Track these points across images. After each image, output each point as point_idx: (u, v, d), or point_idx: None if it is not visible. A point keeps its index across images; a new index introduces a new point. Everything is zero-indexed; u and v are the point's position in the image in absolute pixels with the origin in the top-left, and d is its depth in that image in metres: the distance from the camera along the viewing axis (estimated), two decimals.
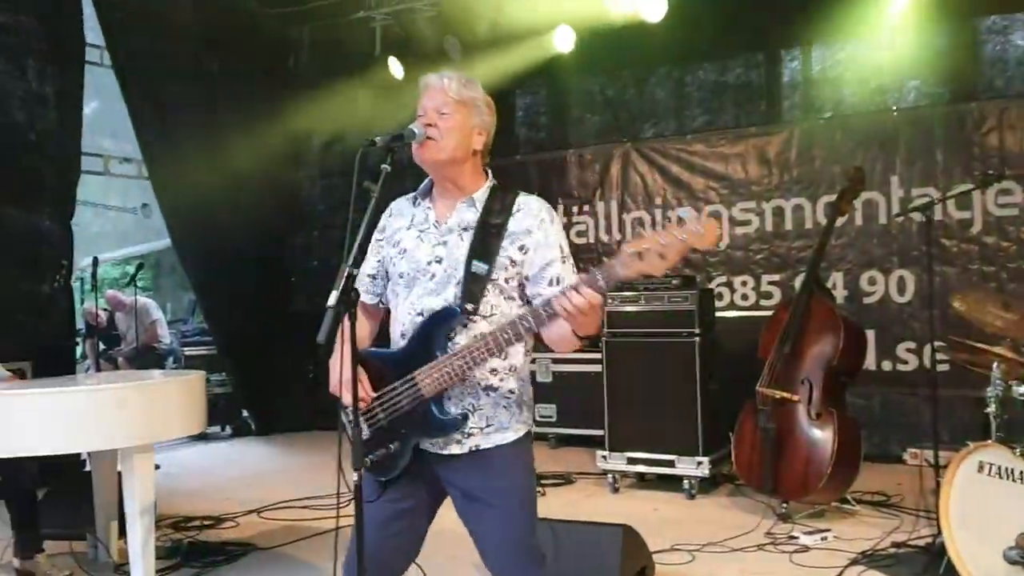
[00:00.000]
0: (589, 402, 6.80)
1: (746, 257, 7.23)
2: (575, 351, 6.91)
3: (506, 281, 2.49)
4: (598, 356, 6.60)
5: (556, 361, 7.19)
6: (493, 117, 2.61)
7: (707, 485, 5.82)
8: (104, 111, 9.01)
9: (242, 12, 8.87)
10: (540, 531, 2.65)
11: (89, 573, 4.57)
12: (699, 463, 5.63)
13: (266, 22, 9.16)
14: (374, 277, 2.69)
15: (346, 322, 2.30)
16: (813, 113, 7.42)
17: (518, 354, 2.54)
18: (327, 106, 9.00)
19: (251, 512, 5.77)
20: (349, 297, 2.32)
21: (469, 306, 2.45)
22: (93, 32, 7.85)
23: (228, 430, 9.13)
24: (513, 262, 2.49)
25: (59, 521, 4.84)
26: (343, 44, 9.05)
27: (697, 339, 5.71)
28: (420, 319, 2.50)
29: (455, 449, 2.50)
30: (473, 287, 2.45)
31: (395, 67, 8.30)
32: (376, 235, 2.69)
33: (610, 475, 5.95)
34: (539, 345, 2.61)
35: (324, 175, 9.49)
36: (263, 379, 9.07)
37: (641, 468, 5.91)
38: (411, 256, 2.57)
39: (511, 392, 2.54)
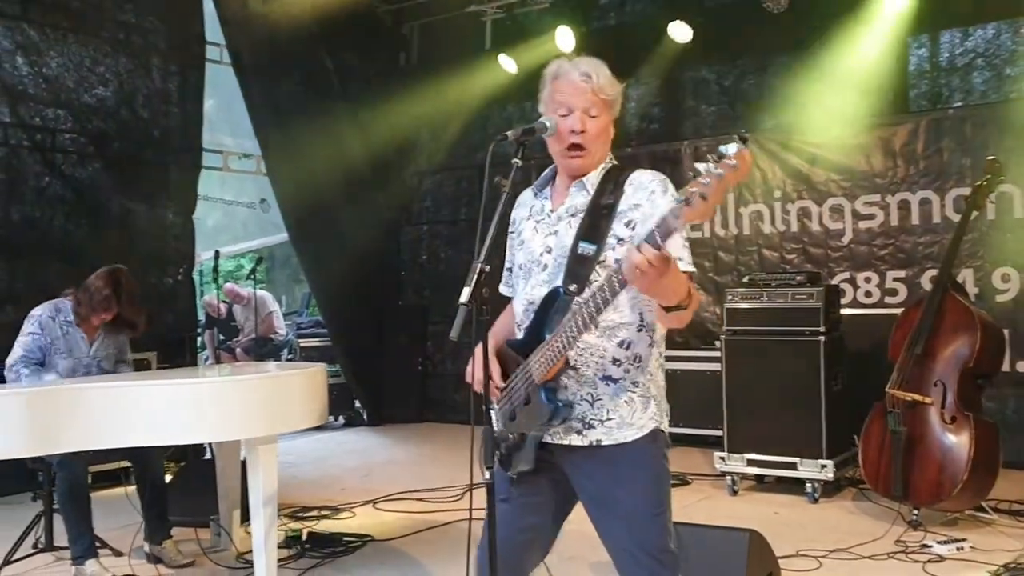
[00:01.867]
0: (704, 401, 6.65)
1: (870, 252, 6.94)
2: (690, 349, 6.73)
3: (615, 261, 2.35)
4: (713, 354, 6.46)
5: (670, 359, 6.98)
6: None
7: (830, 489, 5.63)
8: (223, 108, 9.25)
9: (356, 8, 8.99)
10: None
11: (212, 560, 4.68)
12: (823, 466, 5.43)
13: (379, 18, 9.28)
14: (511, 271, 2.66)
15: (480, 325, 2.24)
16: (941, 103, 7.07)
17: (641, 343, 2.42)
18: (436, 102, 9.05)
19: (367, 503, 5.84)
20: (480, 294, 2.25)
21: (572, 287, 2.35)
22: (211, 30, 8.06)
23: (341, 420, 9.27)
24: (620, 240, 2.37)
25: (184, 509, 4.99)
26: (453, 38, 9.10)
27: (822, 338, 5.50)
28: (533, 307, 2.46)
29: (576, 440, 2.41)
30: (578, 268, 2.37)
31: (506, 62, 8.27)
32: (510, 228, 2.65)
33: (728, 477, 5.79)
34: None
35: (433, 171, 9.53)
36: (375, 370, 9.20)
37: (761, 470, 5.74)
38: (527, 247, 2.54)
39: (635, 385, 2.42)
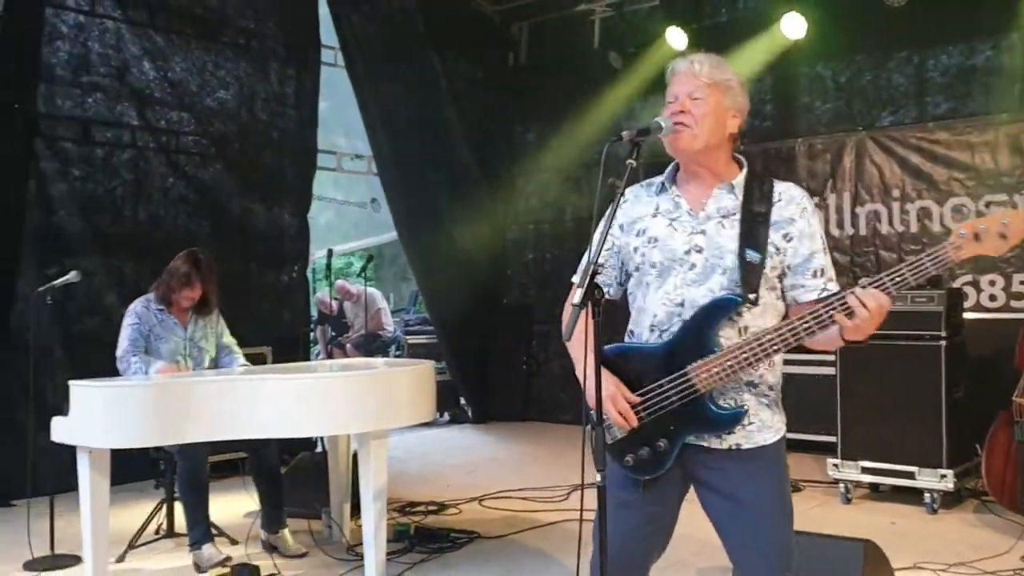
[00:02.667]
0: (816, 406, 6.46)
1: None
2: (803, 352, 6.60)
3: (771, 270, 2.39)
4: (827, 358, 6.28)
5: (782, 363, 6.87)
6: (747, 98, 2.50)
7: (950, 500, 5.41)
8: (336, 109, 9.46)
9: (465, 9, 9.10)
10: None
11: (324, 551, 4.79)
12: (943, 476, 5.23)
13: (487, 18, 9.36)
14: (602, 266, 2.57)
15: (590, 327, 2.22)
16: None
17: None
18: (544, 101, 9.08)
19: (472, 500, 5.89)
20: (594, 295, 2.24)
21: (752, 296, 2.35)
22: (326, 33, 8.25)
23: (446, 417, 9.37)
24: (778, 250, 2.39)
25: (297, 500, 5.13)
26: (561, 38, 9.10)
27: (943, 343, 5.30)
28: (681, 310, 2.40)
29: (714, 443, 2.40)
30: (750, 276, 2.36)
31: (615, 61, 8.22)
32: (615, 224, 2.56)
33: (842, 484, 5.63)
34: None
35: (540, 170, 9.53)
36: (480, 369, 9.29)
37: (876, 478, 5.56)
38: (665, 245, 2.46)
39: (771, 388, 2.44)
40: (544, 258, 9.58)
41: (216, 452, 4.94)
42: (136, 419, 3.87)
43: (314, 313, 10.12)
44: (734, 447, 2.40)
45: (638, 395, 2.39)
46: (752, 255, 2.36)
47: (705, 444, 2.41)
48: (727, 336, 2.36)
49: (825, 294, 2.39)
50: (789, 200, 2.43)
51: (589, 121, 8.74)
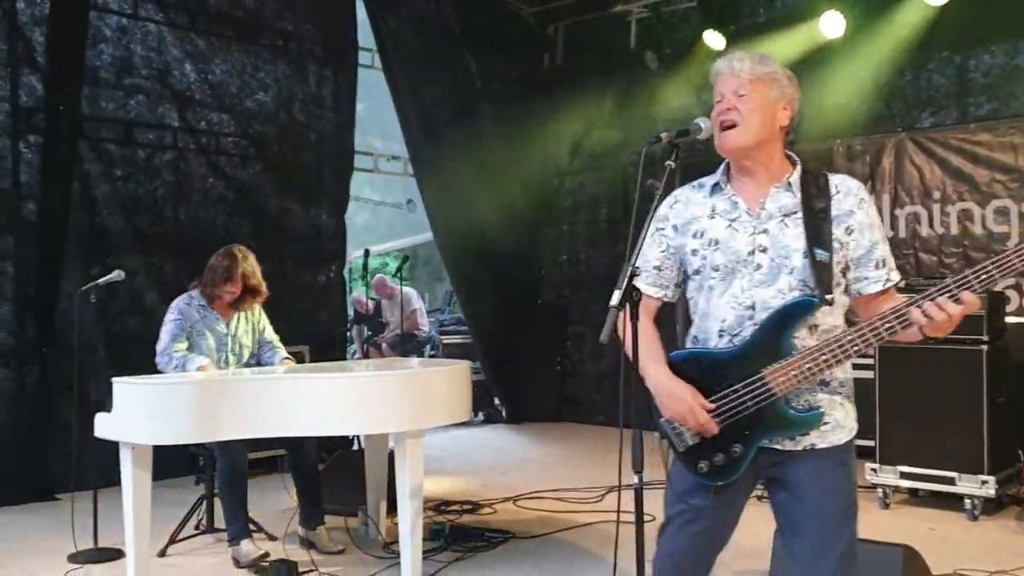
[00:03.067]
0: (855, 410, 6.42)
1: None
2: None
3: (835, 265, 2.37)
4: (866, 362, 6.21)
5: None
6: (797, 89, 2.48)
7: (991, 507, 5.33)
8: (373, 111, 9.53)
9: (501, 12, 9.12)
10: None
11: (361, 548, 4.82)
12: (984, 482, 5.15)
13: (523, 20, 9.38)
14: (660, 269, 2.55)
15: (629, 329, 2.24)
16: None
17: None
18: (579, 102, 9.07)
19: (507, 500, 5.90)
20: (631, 297, 2.24)
21: (828, 296, 2.33)
22: (363, 36, 8.32)
23: (480, 416, 9.40)
24: (841, 244, 2.38)
25: (334, 497, 5.17)
26: (597, 39, 9.09)
27: (985, 347, 5.22)
28: (752, 312, 2.38)
29: (788, 445, 2.39)
30: (823, 276, 2.34)
31: (651, 61, 8.20)
32: (657, 224, 2.55)
33: (880, 489, 5.58)
34: None
35: (575, 171, 9.54)
36: (513, 369, 9.30)
37: (915, 484, 5.49)
38: (727, 247, 2.43)
39: (842, 385, 2.42)
40: (578, 259, 9.58)
41: (255, 449, 5.00)
42: (176, 416, 3.92)
43: (350, 313, 10.19)
44: (809, 447, 2.39)
45: (711, 401, 2.38)
46: (821, 254, 2.34)
47: (779, 447, 2.40)
48: (800, 336, 2.35)
49: (889, 285, 2.42)
50: (847, 192, 2.42)
51: (624, 122, 8.74)
